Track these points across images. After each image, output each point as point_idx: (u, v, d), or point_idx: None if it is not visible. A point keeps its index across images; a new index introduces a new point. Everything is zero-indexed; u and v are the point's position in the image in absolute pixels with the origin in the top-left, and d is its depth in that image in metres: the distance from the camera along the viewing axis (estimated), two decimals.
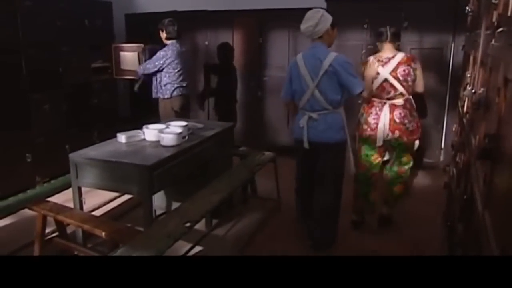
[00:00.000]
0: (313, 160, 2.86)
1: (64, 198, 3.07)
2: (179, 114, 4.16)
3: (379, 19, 4.48)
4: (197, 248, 2.99)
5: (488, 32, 1.63)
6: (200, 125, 3.40)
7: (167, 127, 3.10)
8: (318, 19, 2.70)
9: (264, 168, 3.47)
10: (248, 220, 3.47)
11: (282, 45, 4.92)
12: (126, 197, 3.67)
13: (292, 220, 3.40)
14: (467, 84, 2.46)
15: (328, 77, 2.69)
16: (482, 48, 1.88)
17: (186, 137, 3.02)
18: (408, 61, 3.00)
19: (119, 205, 3.67)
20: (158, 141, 2.91)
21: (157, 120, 3.88)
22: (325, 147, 2.79)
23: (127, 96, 5.85)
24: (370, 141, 3.12)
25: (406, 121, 3.01)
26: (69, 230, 2.84)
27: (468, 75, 2.45)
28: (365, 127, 3.11)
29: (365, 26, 4.55)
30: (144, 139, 2.99)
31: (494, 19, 1.46)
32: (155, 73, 4.16)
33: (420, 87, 3.09)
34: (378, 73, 3.02)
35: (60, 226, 2.75)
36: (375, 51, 3.25)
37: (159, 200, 3.36)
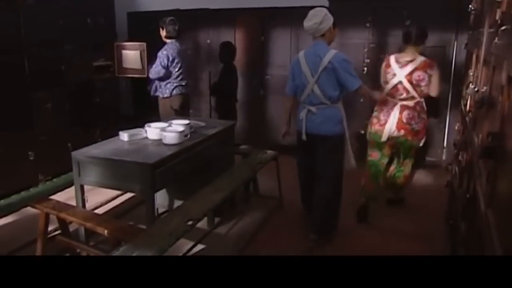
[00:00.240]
0: (311, 151, 3.00)
1: (67, 196, 3.08)
2: (179, 113, 4.17)
3: (381, 18, 4.49)
4: (199, 246, 2.99)
5: (492, 30, 1.62)
6: (202, 124, 3.40)
7: (169, 126, 3.10)
8: (322, 17, 2.82)
9: (266, 166, 3.47)
10: (250, 218, 3.47)
11: (284, 43, 4.91)
12: (128, 195, 3.67)
13: (294, 218, 3.41)
14: (470, 82, 2.46)
15: (327, 73, 2.82)
16: (485, 46, 1.88)
17: (188, 136, 3.02)
18: (425, 67, 3.13)
19: (122, 203, 3.68)
20: (160, 140, 2.91)
21: (159, 119, 3.89)
22: (323, 139, 2.93)
23: (129, 94, 5.86)
24: (377, 135, 3.31)
25: (412, 122, 3.19)
26: (71, 228, 2.85)
27: (471, 74, 2.44)
28: (375, 121, 3.33)
29: (368, 24, 4.54)
30: (146, 138, 3.00)
31: (497, 17, 1.46)
32: (166, 74, 4.14)
33: (433, 92, 3.23)
34: (394, 74, 3.20)
35: (63, 224, 2.76)
36: (397, 50, 3.43)
37: (161, 198, 3.36)
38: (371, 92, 3.10)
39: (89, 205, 3.02)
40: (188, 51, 5.21)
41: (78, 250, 2.82)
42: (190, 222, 2.30)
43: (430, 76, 3.14)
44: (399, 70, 3.17)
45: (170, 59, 4.09)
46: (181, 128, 3.00)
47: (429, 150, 4.51)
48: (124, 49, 4.83)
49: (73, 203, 2.78)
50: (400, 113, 3.19)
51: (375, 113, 3.36)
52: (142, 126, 3.10)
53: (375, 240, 3.12)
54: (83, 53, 4.64)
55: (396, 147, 3.39)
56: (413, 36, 3.18)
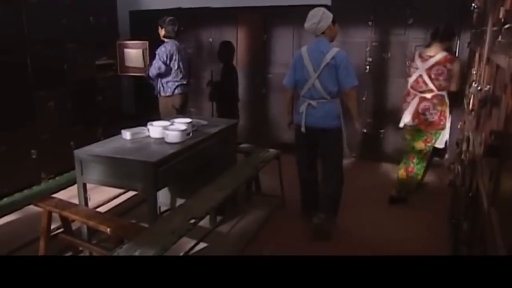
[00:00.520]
0: (311, 144, 3.16)
1: (69, 194, 3.09)
2: (179, 112, 4.18)
3: (384, 16, 4.48)
4: (201, 245, 3.00)
5: (495, 28, 1.62)
6: (204, 122, 3.41)
7: (171, 124, 3.10)
8: (320, 16, 2.96)
9: (268, 165, 3.47)
10: (252, 216, 3.47)
11: (287, 42, 4.90)
12: (130, 193, 3.68)
13: (296, 217, 3.41)
14: (473, 81, 2.45)
15: (329, 69, 2.95)
16: (488, 44, 1.87)
17: (191, 134, 3.02)
18: (445, 62, 3.30)
19: (124, 201, 3.69)
20: (162, 138, 2.92)
21: (160, 117, 3.89)
22: (322, 133, 3.06)
23: (132, 93, 5.87)
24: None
25: (427, 112, 3.40)
26: (74, 226, 2.85)
27: (474, 72, 2.44)
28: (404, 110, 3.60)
29: (370, 23, 4.53)
30: (149, 136, 3.00)
31: (501, 16, 1.45)
32: (166, 70, 4.14)
33: (453, 87, 3.38)
34: (417, 68, 3.43)
35: (65, 222, 2.77)
36: (425, 44, 3.58)
37: (163, 197, 3.37)
38: (356, 101, 3.12)
39: (91, 203, 3.03)
40: (190, 50, 5.22)
41: (80, 248, 2.83)
42: (192, 221, 2.30)
43: (449, 71, 3.29)
44: (421, 64, 3.38)
45: (169, 55, 4.10)
46: (183, 127, 3.00)
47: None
48: (127, 47, 4.84)
49: (76, 201, 2.79)
50: (418, 104, 3.42)
51: (404, 105, 3.63)
52: (145, 124, 3.10)
53: (376, 239, 3.11)
54: (85, 52, 4.64)
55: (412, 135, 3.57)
56: (439, 33, 3.34)
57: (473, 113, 2.25)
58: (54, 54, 4.23)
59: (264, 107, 5.21)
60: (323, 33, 3.00)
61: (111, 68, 5.02)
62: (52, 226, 2.82)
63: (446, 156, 4.52)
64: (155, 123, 3.10)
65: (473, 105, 2.33)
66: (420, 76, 3.38)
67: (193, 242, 2.96)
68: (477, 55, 2.48)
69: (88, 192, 2.82)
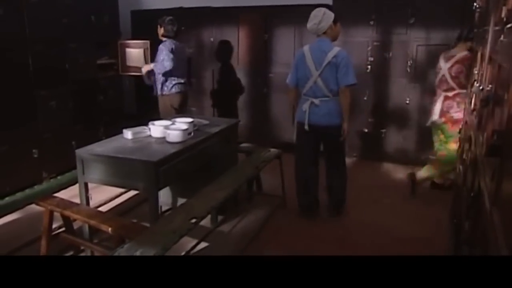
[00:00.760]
0: (313, 142, 3.27)
1: (71, 193, 3.09)
2: (179, 111, 4.18)
3: (385, 16, 4.47)
4: (203, 244, 3.00)
5: (497, 28, 1.61)
6: (205, 122, 3.41)
7: (173, 124, 3.10)
8: (321, 17, 3.05)
9: (269, 164, 3.47)
10: (253, 216, 3.47)
11: (288, 41, 4.90)
12: (132, 193, 3.69)
13: (297, 216, 3.41)
14: (475, 80, 2.45)
15: (330, 67, 3.04)
16: (490, 44, 1.87)
17: (192, 134, 3.02)
18: (464, 61, 3.45)
19: (125, 201, 3.70)
20: (164, 138, 2.92)
21: (161, 117, 3.89)
22: (325, 130, 3.16)
23: (133, 92, 5.87)
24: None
25: (451, 110, 3.56)
26: (75, 225, 2.86)
27: (476, 72, 2.43)
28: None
29: (371, 22, 4.53)
30: (150, 136, 3.00)
31: (503, 15, 1.45)
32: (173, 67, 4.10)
33: None
34: (440, 68, 3.62)
35: (67, 222, 2.77)
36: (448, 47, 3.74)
37: (165, 196, 3.37)
38: (349, 100, 3.15)
39: (93, 202, 3.03)
40: (191, 50, 5.22)
41: (82, 248, 2.84)
42: (193, 220, 2.30)
43: (468, 69, 3.40)
44: (444, 64, 3.58)
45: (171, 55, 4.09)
46: (184, 126, 3.00)
47: (433, 149, 4.49)
48: (128, 47, 4.84)
49: (77, 200, 2.79)
50: (443, 102, 3.59)
51: (433, 104, 3.82)
52: (146, 124, 3.11)
53: (377, 239, 3.11)
54: (87, 51, 4.65)
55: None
56: (464, 34, 3.52)
57: (475, 112, 2.24)
58: (55, 53, 4.23)
59: (265, 106, 5.20)
60: (324, 33, 3.09)
61: (113, 68, 5.02)
62: (54, 226, 2.83)
63: None
64: (157, 122, 3.10)
65: (475, 104, 2.33)
66: (443, 75, 3.57)
67: (194, 242, 2.96)
68: (479, 54, 2.48)
69: (90, 192, 2.82)
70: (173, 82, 4.19)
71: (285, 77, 3.28)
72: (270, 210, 3.57)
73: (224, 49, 4.48)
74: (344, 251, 2.91)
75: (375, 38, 4.55)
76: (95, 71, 4.83)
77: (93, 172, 2.70)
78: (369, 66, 4.61)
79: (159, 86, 4.23)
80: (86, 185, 2.76)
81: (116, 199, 3.68)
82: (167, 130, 2.91)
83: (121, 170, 2.62)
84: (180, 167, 2.77)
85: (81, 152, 2.73)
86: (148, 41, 4.68)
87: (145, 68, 4.27)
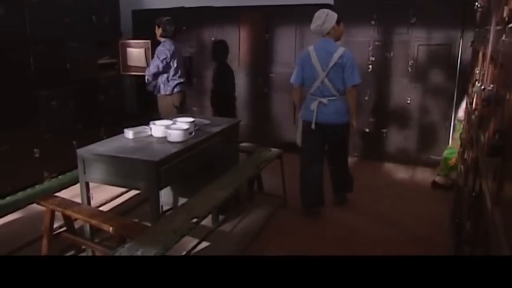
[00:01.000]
0: (320, 139, 3.31)
1: (72, 193, 3.09)
2: (179, 110, 4.19)
3: (386, 15, 4.47)
4: (204, 244, 3.00)
5: (499, 27, 1.61)
6: (206, 121, 3.41)
7: (174, 123, 3.10)
8: (324, 18, 3.12)
9: (270, 164, 3.47)
10: (254, 216, 3.47)
11: (289, 41, 4.90)
12: (133, 192, 3.69)
13: (298, 216, 3.41)
14: (476, 80, 2.44)
15: (336, 68, 3.11)
16: (492, 44, 1.86)
17: (193, 133, 3.03)
18: None
19: (126, 200, 3.70)
20: (165, 137, 2.92)
21: (161, 116, 3.89)
22: (332, 128, 3.23)
23: (134, 92, 5.87)
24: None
25: None
26: (76, 225, 2.86)
27: (477, 72, 2.43)
28: None
29: (373, 22, 4.52)
30: (151, 135, 3.00)
31: (505, 14, 1.44)
32: (165, 68, 4.14)
33: None
34: None
35: (68, 221, 2.77)
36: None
37: (166, 196, 3.37)
38: (356, 98, 3.31)
39: (94, 202, 3.03)
40: (192, 49, 5.22)
41: (83, 247, 2.84)
42: (194, 220, 2.30)
43: None
44: None
45: (169, 54, 4.11)
46: (185, 126, 3.00)
47: (434, 149, 4.50)
48: (129, 47, 4.84)
49: (79, 200, 2.80)
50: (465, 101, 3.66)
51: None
52: (147, 123, 3.11)
53: (378, 239, 3.11)
54: (88, 51, 4.65)
55: None
56: None
57: (476, 112, 2.24)
58: (56, 53, 4.24)
59: (266, 106, 5.20)
60: (328, 33, 3.16)
61: (114, 68, 5.02)
62: (55, 225, 2.83)
63: None
64: (158, 122, 3.10)
65: (476, 104, 2.32)
66: None
67: (195, 241, 2.96)
68: (480, 54, 2.47)
69: (91, 191, 2.82)
70: (174, 82, 4.20)
71: (286, 77, 3.29)
72: (271, 210, 3.57)
73: (223, 49, 4.49)
74: (345, 251, 2.91)
75: (376, 38, 4.55)
76: (96, 71, 4.83)
77: (94, 171, 2.70)
78: (370, 66, 4.61)
79: (159, 87, 4.24)
80: (87, 184, 2.77)
81: (117, 199, 3.68)
82: (168, 130, 2.91)
83: (122, 169, 2.62)
84: (181, 167, 2.77)
85: (82, 151, 2.73)
86: (149, 41, 4.68)
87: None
